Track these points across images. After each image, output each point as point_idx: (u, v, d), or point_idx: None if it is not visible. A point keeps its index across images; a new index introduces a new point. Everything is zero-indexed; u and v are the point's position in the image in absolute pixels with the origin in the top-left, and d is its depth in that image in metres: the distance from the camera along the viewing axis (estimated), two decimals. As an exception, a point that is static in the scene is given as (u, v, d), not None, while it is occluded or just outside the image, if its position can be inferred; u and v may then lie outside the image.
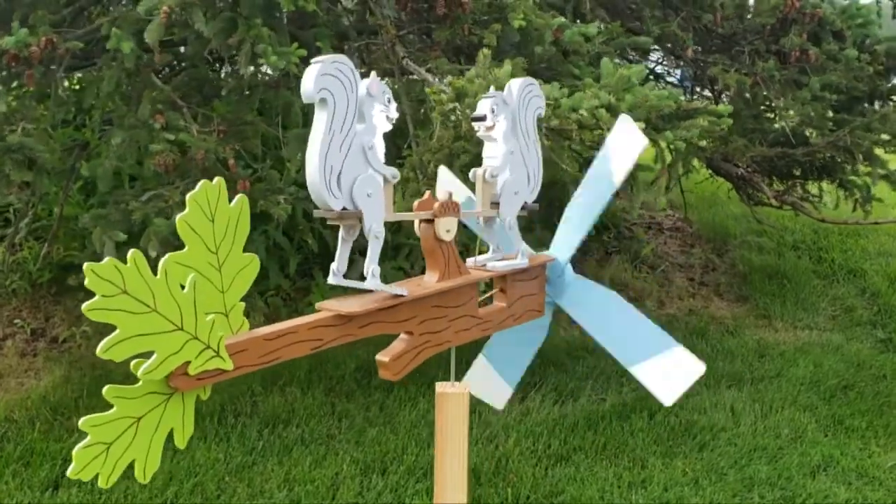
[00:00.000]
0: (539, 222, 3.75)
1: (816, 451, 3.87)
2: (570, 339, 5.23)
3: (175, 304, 1.25)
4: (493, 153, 1.69)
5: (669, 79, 6.51)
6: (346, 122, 1.39)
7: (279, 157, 3.53)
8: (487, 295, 1.77)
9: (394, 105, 1.47)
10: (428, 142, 3.17)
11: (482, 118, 1.66)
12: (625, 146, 1.76)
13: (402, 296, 1.49)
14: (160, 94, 3.40)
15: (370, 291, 1.48)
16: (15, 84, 3.37)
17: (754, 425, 4.19)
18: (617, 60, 3.85)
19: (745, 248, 7.24)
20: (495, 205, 1.68)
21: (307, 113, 3.92)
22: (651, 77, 5.58)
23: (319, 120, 1.38)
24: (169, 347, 1.25)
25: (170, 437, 1.33)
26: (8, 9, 3.32)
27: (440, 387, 1.64)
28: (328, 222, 1.44)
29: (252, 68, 3.22)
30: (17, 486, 3.28)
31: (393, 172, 1.46)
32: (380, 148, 1.45)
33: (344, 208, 1.41)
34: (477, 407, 4.19)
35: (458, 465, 1.62)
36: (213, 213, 1.32)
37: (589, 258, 6.77)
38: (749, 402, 4.45)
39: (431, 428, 3.99)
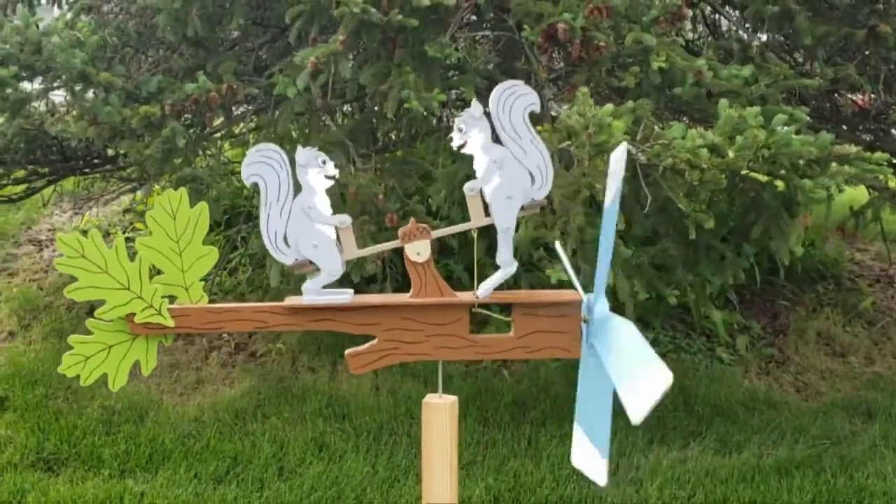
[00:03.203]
0: (684, 263, 3.69)
1: None
2: (750, 389, 5.00)
3: (123, 270, 1.76)
4: (477, 166, 1.81)
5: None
6: (280, 193, 1.71)
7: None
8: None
9: (330, 164, 1.74)
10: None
11: (451, 139, 1.81)
12: (614, 171, 1.79)
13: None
14: (328, 136, 3.78)
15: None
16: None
17: (939, 498, 3.80)
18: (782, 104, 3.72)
19: None
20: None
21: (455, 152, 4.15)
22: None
23: (262, 197, 1.72)
24: (116, 300, 1.78)
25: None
26: (205, 57, 3.87)
27: (427, 398, 1.77)
28: (296, 272, 1.77)
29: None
30: (189, 477, 3.74)
31: (341, 220, 1.72)
32: (321, 204, 1.71)
33: (296, 259, 1.73)
34: (629, 449, 4.16)
35: (443, 473, 1.73)
36: (175, 213, 1.76)
37: (798, 308, 6.40)
38: (942, 473, 4.04)
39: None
